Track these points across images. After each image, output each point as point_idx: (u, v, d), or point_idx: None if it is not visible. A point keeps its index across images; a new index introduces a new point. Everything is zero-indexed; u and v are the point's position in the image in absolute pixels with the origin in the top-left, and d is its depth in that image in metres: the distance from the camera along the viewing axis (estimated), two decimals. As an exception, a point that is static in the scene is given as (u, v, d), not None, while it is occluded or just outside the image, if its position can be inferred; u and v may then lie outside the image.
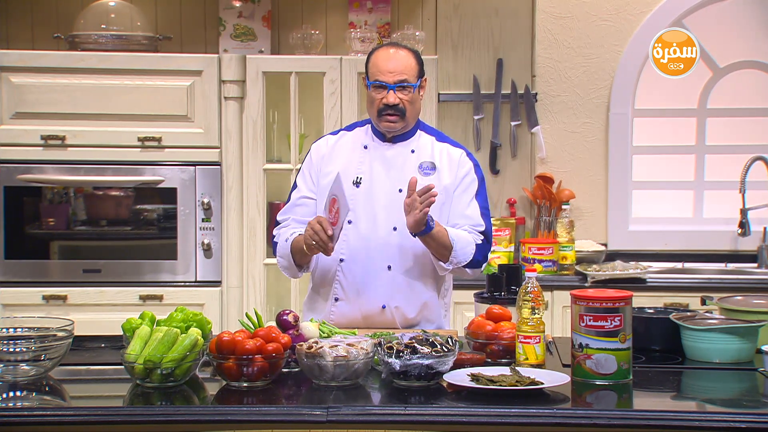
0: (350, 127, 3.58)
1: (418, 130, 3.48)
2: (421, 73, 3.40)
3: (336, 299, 3.40)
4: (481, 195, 3.47)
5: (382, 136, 3.45)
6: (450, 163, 3.44)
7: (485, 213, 3.46)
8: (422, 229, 3.22)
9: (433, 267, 3.40)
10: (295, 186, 3.55)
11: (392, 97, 3.34)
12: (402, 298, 3.38)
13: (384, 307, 3.37)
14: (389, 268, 3.37)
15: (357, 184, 3.40)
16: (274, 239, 3.49)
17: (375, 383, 2.65)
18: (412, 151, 3.44)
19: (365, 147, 3.46)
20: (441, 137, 3.52)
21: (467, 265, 3.35)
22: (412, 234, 3.25)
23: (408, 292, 3.39)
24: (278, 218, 3.53)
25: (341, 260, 3.38)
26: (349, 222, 3.37)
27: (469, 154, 3.50)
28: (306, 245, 3.25)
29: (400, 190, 3.35)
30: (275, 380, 2.62)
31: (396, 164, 3.42)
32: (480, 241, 3.40)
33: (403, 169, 3.41)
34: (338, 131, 3.58)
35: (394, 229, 3.36)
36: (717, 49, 5.29)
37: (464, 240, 3.34)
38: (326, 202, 3.25)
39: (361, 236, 3.37)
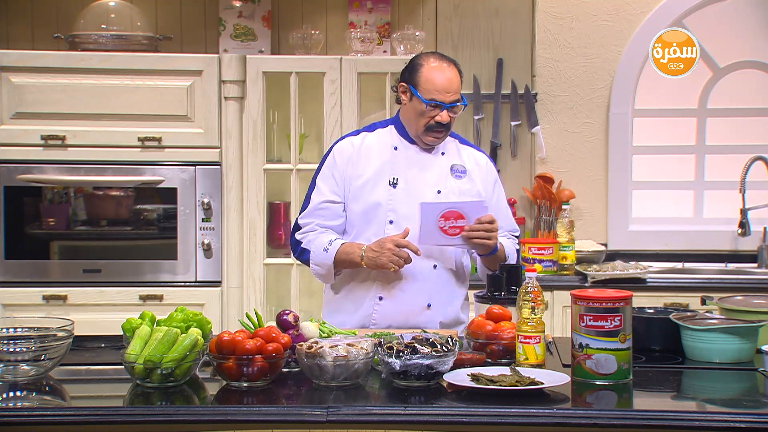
0: (370, 128, 3.57)
1: None
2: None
3: (380, 298, 3.41)
4: (505, 200, 3.65)
5: (410, 140, 3.48)
6: (478, 168, 3.54)
7: (512, 217, 3.67)
8: (491, 251, 3.39)
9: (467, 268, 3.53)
10: (314, 188, 3.52)
11: (446, 116, 3.37)
12: (444, 297, 3.44)
13: (429, 306, 3.40)
14: (435, 267, 3.41)
15: (394, 185, 3.43)
16: (302, 245, 3.48)
17: (375, 383, 2.65)
18: (443, 154, 3.49)
19: (395, 148, 3.48)
20: (462, 140, 3.59)
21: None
22: (480, 255, 3.43)
23: (449, 291, 3.45)
24: (299, 222, 3.52)
25: None
26: (391, 222, 3.41)
27: (491, 159, 3.63)
28: (380, 265, 3.31)
29: (439, 192, 3.43)
30: (275, 380, 2.62)
31: (430, 167, 3.47)
32: (518, 247, 3.60)
33: (437, 171, 3.47)
34: (359, 132, 3.57)
35: None
36: (717, 49, 5.29)
37: (510, 249, 3.53)
38: (439, 211, 3.32)
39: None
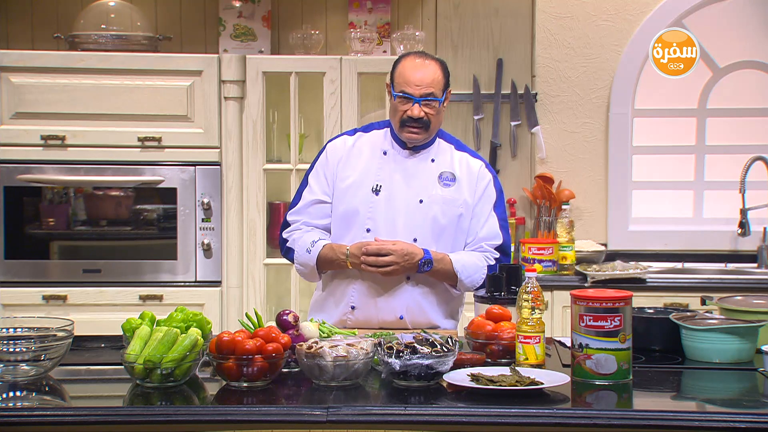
0: (367, 128, 3.52)
1: (437, 138, 3.46)
2: (446, 85, 3.37)
3: (353, 308, 3.39)
4: (500, 207, 3.48)
5: (402, 143, 3.43)
6: (470, 175, 3.44)
7: (503, 225, 3.47)
8: (414, 272, 3.33)
9: None
10: (306, 185, 3.49)
11: (417, 111, 3.30)
12: (418, 310, 3.38)
13: (402, 317, 3.37)
14: (408, 279, 3.37)
15: (376, 191, 3.38)
16: (287, 243, 3.47)
17: (375, 383, 2.64)
18: (432, 161, 3.42)
19: (384, 153, 3.43)
20: (459, 146, 3.50)
21: (481, 287, 3.36)
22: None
23: (425, 303, 3.39)
24: (288, 219, 3.50)
25: None
26: (368, 230, 3.37)
27: (488, 166, 3.50)
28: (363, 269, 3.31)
29: (421, 201, 3.37)
30: (275, 380, 2.62)
31: (416, 174, 3.40)
32: (493, 262, 3.42)
33: (424, 179, 3.40)
34: (354, 131, 3.52)
35: (414, 240, 3.35)
36: (717, 49, 5.29)
37: (472, 267, 3.37)
38: None
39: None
